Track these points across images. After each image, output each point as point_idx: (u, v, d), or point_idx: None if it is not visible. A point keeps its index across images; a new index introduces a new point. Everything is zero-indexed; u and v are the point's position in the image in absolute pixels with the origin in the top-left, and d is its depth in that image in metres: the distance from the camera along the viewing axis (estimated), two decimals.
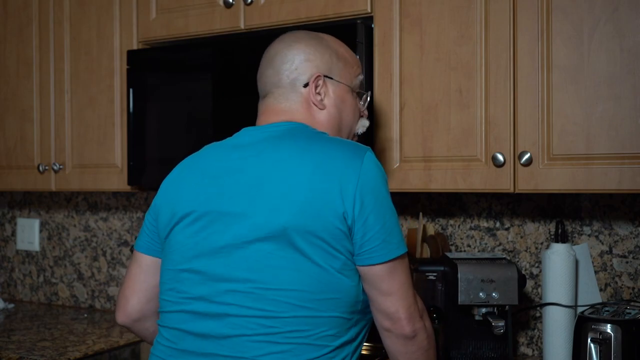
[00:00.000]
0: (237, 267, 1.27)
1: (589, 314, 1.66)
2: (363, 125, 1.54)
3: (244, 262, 1.27)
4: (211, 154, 1.40)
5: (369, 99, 1.56)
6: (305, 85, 1.41)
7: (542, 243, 1.96)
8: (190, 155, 1.44)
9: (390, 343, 1.34)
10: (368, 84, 1.79)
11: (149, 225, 1.44)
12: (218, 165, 1.36)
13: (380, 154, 1.79)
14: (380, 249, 1.27)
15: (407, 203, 2.14)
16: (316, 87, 1.42)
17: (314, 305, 1.26)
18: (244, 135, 1.41)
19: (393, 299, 1.30)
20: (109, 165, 2.23)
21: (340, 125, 1.47)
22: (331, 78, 1.44)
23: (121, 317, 1.47)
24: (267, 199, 1.27)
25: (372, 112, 1.80)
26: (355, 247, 1.27)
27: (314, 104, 1.42)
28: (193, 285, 1.31)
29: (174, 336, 1.33)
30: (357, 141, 1.54)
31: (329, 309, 1.27)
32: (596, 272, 1.89)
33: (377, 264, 1.28)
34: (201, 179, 1.36)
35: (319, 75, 1.42)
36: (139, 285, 1.45)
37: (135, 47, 2.17)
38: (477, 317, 1.76)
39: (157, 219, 1.41)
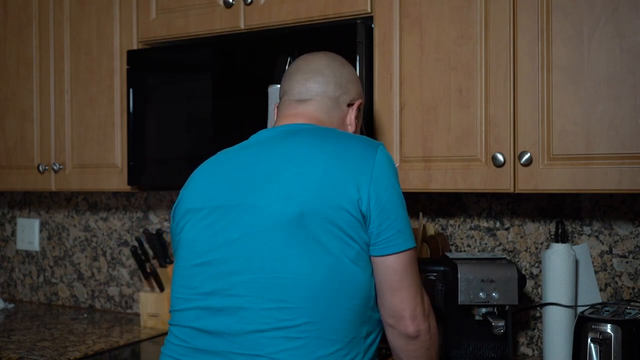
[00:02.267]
0: (251, 257, 1.28)
1: (589, 314, 1.66)
2: None
3: (258, 251, 1.27)
4: (224, 154, 1.44)
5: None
6: (349, 105, 1.48)
7: (542, 243, 1.96)
8: (206, 160, 1.47)
9: (393, 339, 1.35)
10: (368, 84, 1.79)
11: (172, 237, 1.48)
12: (230, 162, 1.39)
13: None
14: (395, 238, 1.29)
15: (407, 203, 2.13)
16: (357, 110, 1.49)
17: (327, 295, 1.26)
18: (260, 133, 1.45)
19: (400, 297, 1.30)
20: (109, 165, 2.23)
21: None
22: (360, 109, 1.52)
23: None
24: (281, 188, 1.28)
25: (372, 112, 1.80)
26: (371, 236, 1.29)
27: (349, 125, 1.48)
28: (205, 280, 1.32)
29: (186, 334, 1.33)
30: None
31: (341, 299, 1.27)
32: (596, 272, 1.89)
33: (392, 254, 1.29)
34: (213, 176, 1.39)
35: (361, 102, 1.50)
36: None
37: (135, 47, 2.17)
38: (477, 317, 1.76)
39: (173, 222, 1.44)
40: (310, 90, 1.46)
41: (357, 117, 1.51)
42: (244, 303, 1.27)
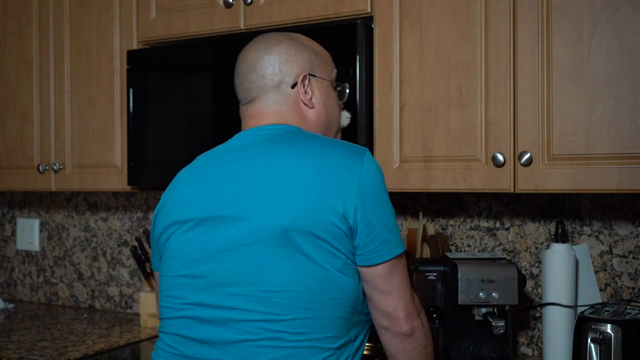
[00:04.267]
0: (238, 270, 1.27)
1: (589, 314, 1.66)
2: (346, 117, 1.55)
3: (245, 264, 1.27)
4: (205, 161, 1.41)
5: (347, 90, 1.56)
6: (293, 85, 1.42)
7: (542, 243, 1.96)
8: (185, 167, 1.44)
9: (388, 341, 1.35)
10: (368, 84, 1.79)
11: (152, 244, 1.46)
12: (213, 170, 1.37)
13: (380, 154, 1.79)
14: (381, 248, 1.28)
15: (407, 203, 2.14)
16: (304, 86, 1.42)
17: (316, 306, 1.26)
18: (238, 139, 1.41)
19: (392, 298, 1.31)
20: (109, 165, 2.23)
21: (329, 121, 1.47)
22: (314, 75, 1.44)
23: None
24: (266, 201, 1.27)
25: (372, 112, 1.80)
26: (357, 247, 1.28)
27: (304, 103, 1.42)
28: (193, 291, 1.31)
29: (176, 342, 1.33)
30: (342, 135, 1.56)
31: (330, 309, 1.27)
32: (596, 272, 1.89)
33: (379, 264, 1.29)
34: (197, 186, 1.36)
35: (305, 75, 1.42)
36: None
37: (135, 47, 2.17)
38: (477, 317, 1.76)
39: (154, 229, 1.42)
40: (251, 90, 1.42)
41: (307, 92, 1.42)
42: (233, 315, 1.27)
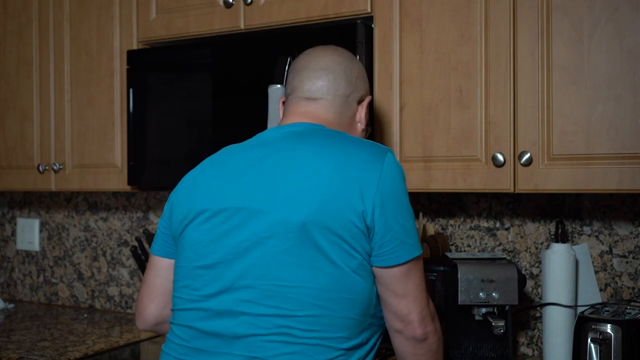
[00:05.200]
0: (253, 263, 1.27)
1: (589, 314, 1.66)
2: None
3: (260, 258, 1.26)
4: (229, 153, 1.41)
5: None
6: (359, 102, 1.48)
7: (542, 243, 1.96)
8: (210, 156, 1.44)
9: (400, 344, 1.34)
10: (368, 84, 1.79)
11: (162, 228, 1.44)
12: (235, 162, 1.36)
13: None
14: (398, 250, 1.27)
15: None
16: (366, 108, 1.49)
17: (328, 305, 1.25)
18: (266, 134, 1.42)
19: (407, 301, 1.29)
20: (109, 165, 2.23)
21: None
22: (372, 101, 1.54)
23: (141, 325, 1.48)
24: (286, 195, 1.27)
25: (372, 112, 1.80)
26: (374, 247, 1.27)
27: (359, 122, 1.49)
28: (207, 282, 1.31)
29: (187, 334, 1.32)
30: None
31: (342, 309, 1.26)
32: (596, 272, 1.89)
33: (395, 266, 1.28)
34: (217, 176, 1.36)
35: (370, 99, 1.50)
36: (156, 291, 1.45)
37: (135, 47, 2.17)
38: (477, 317, 1.76)
39: (171, 217, 1.41)
40: (321, 89, 1.43)
41: (366, 114, 1.50)
42: (244, 308, 1.26)
